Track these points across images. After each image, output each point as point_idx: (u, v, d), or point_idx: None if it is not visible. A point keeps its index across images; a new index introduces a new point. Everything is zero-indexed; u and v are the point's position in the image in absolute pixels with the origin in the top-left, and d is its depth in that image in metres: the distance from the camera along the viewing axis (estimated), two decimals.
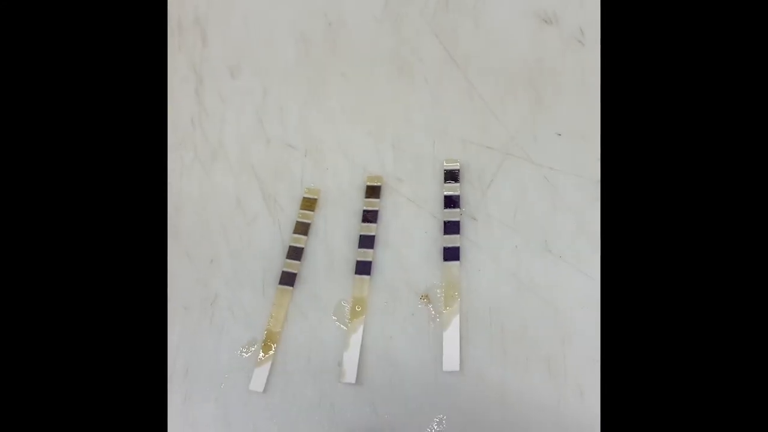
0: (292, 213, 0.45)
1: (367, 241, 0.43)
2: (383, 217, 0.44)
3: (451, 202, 0.44)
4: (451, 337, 0.41)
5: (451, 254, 0.42)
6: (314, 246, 0.44)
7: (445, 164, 0.45)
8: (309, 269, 0.44)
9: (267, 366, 0.42)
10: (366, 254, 0.43)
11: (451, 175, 0.44)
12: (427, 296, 0.42)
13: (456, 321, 0.41)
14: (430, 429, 0.40)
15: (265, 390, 0.41)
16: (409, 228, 0.44)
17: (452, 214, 0.43)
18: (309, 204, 0.45)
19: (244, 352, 0.42)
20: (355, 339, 0.41)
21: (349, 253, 0.44)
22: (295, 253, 0.44)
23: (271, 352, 0.42)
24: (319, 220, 0.45)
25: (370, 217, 0.44)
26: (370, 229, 0.44)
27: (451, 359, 0.40)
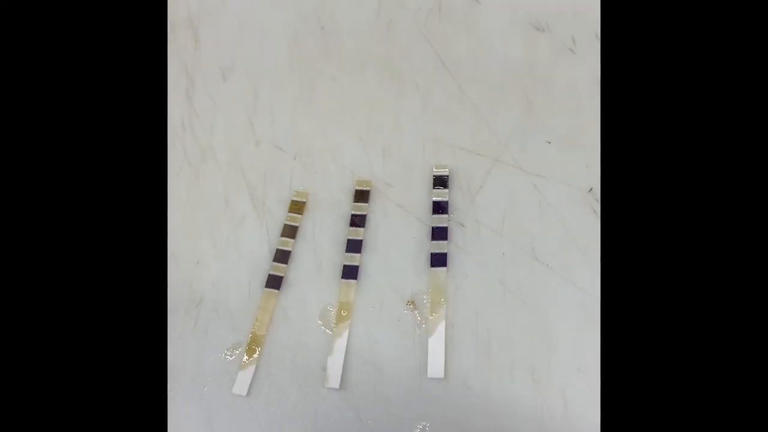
0: (280, 216, 0.45)
1: (354, 246, 0.43)
2: (371, 221, 0.44)
3: (439, 207, 0.43)
4: (436, 343, 0.40)
5: (439, 260, 0.42)
6: (302, 249, 0.44)
7: (434, 170, 0.44)
8: (296, 273, 0.44)
9: (251, 369, 0.41)
10: (353, 258, 0.43)
11: (440, 181, 0.44)
12: (413, 302, 0.42)
13: (442, 328, 0.41)
14: None
15: (248, 393, 0.41)
16: (397, 233, 0.44)
17: (440, 220, 0.43)
18: (297, 207, 0.45)
19: (229, 355, 0.42)
20: (340, 344, 0.41)
21: (337, 257, 0.44)
22: (282, 257, 0.44)
23: (256, 356, 0.42)
24: (308, 223, 0.45)
25: (358, 221, 0.44)
26: (357, 233, 0.44)
27: (435, 366, 0.40)
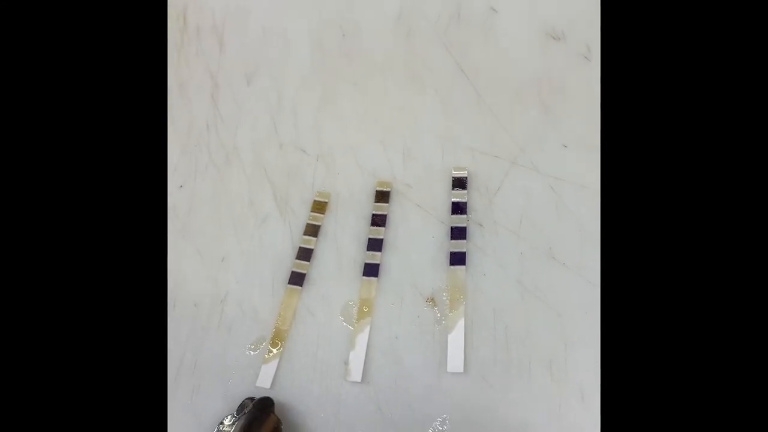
0: (302, 215, 0.46)
1: (375, 244, 0.45)
2: (392, 221, 0.45)
3: (458, 208, 0.45)
4: (455, 339, 0.42)
5: (458, 259, 0.43)
6: (324, 248, 0.45)
7: (453, 172, 0.46)
8: (318, 270, 0.45)
9: (275, 363, 0.42)
10: (374, 257, 0.44)
11: (459, 183, 0.45)
12: (433, 299, 0.43)
13: (461, 324, 0.42)
14: (432, 428, 0.40)
15: (272, 386, 0.42)
16: (417, 232, 0.45)
17: (459, 220, 0.44)
18: (319, 207, 0.46)
19: (252, 350, 0.43)
20: (362, 339, 0.42)
21: (358, 256, 0.45)
22: (304, 254, 0.45)
23: (279, 350, 0.43)
24: (329, 222, 0.46)
25: (379, 220, 0.45)
26: (378, 232, 0.45)
27: (455, 361, 0.41)
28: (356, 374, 0.42)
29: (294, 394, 0.42)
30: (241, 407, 0.41)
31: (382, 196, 0.46)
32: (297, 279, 0.44)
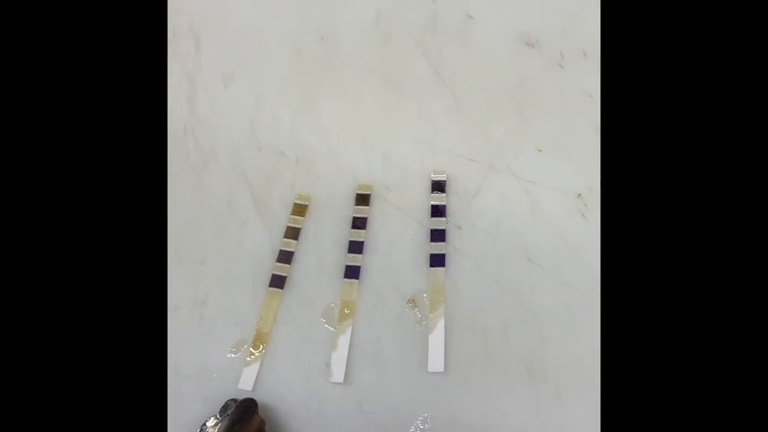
0: (282, 218, 0.47)
1: (356, 247, 0.45)
2: (372, 224, 0.46)
3: (437, 211, 0.46)
4: (436, 339, 0.42)
5: (437, 261, 0.44)
6: (304, 250, 0.46)
7: (432, 175, 0.47)
8: (299, 272, 0.45)
9: (256, 365, 0.43)
10: (355, 259, 0.45)
11: (438, 186, 0.46)
12: (413, 300, 0.44)
13: (441, 324, 0.43)
14: (414, 427, 0.41)
15: (253, 389, 0.42)
16: (397, 235, 0.46)
17: (439, 223, 0.45)
18: (300, 210, 0.47)
19: (233, 352, 0.43)
20: (344, 340, 0.43)
21: (339, 258, 0.45)
22: (285, 257, 0.45)
23: (261, 352, 0.43)
24: (310, 225, 0.47)
25: (359, 223, 0.46)
26: (359, 235, 0.46)
27: (436, 361, 0.42)
28: (338, 375, 0.42)
29: (276, 396, 0.42)
30: (224, 408, 0.41)
31: (363, 199, 0.47)
32: (278, 282, 0.45)
